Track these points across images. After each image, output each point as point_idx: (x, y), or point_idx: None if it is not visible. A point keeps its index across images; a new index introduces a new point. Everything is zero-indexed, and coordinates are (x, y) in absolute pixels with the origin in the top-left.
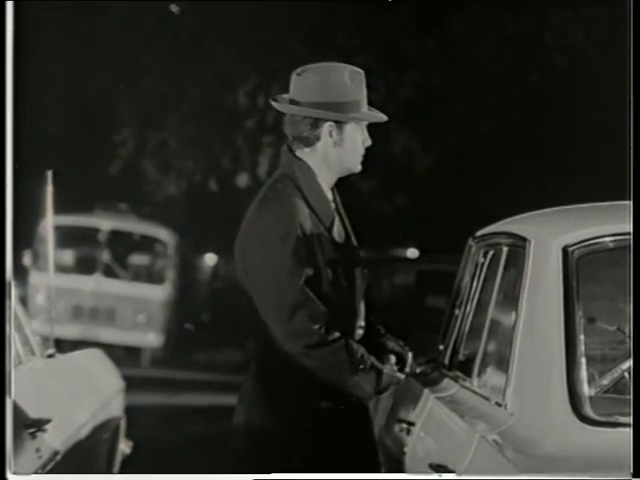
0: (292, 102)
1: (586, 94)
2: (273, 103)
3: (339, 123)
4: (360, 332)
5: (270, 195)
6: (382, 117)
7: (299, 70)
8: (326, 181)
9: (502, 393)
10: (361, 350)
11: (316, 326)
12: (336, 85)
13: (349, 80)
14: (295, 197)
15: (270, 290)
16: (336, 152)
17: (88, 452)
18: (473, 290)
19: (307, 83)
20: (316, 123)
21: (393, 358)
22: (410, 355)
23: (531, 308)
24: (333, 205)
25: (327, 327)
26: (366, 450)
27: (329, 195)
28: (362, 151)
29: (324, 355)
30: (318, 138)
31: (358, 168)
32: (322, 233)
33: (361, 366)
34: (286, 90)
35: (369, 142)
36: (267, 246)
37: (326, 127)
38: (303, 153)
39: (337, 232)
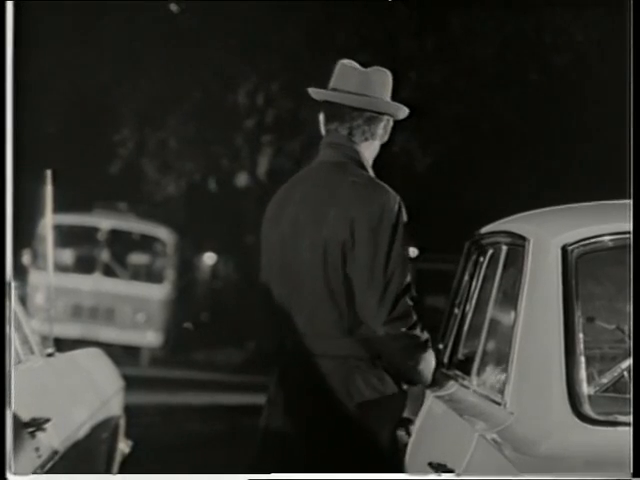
0: (360, 95)
1: (586, 93)
2: (342, 94)
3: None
4: None
5: (364, 182)
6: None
7: (353, 64)
8: None
9: (501, 392)
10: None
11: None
12: (389, 83)
13: (388, 78)
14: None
15: (382, 277)
16: (378, 146)
17: (87, 451)
18: (472, 289)
19: (375, 79)
20: (381, 118)
21: None
22: None
23: (530, 307)
24: None
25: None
26: (389, 451)
27: None
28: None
29: (415, 334)
30: (375, 133)
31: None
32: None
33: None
34: (285, 90)
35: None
36: (384, 233)
37: (384, 122)
38: (363, 145)
39: None
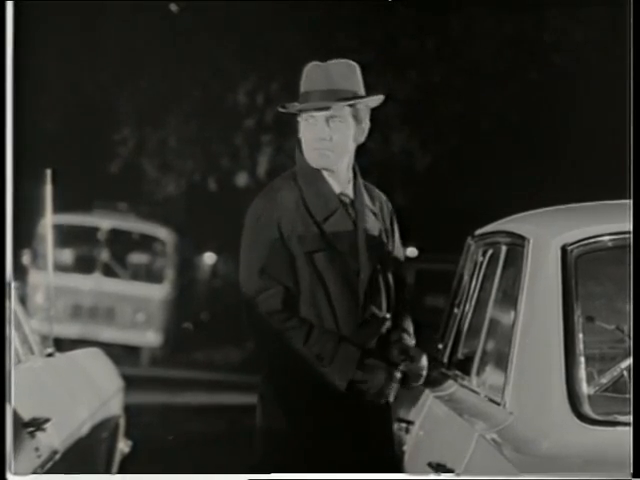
0: None
1: (586, 93)
2: None
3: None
4: (386, 324)
5: (264, 189)
6: (311, 106)
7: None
8: (332, 176)
9: (501, 392)
10: (329, 343)
11: (277, 310)
12: (304, 77)
13: (308, 72)
14: (282, 191)
15: (241, 279)
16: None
17: (87, 451)
18: (472, 289)
19: None
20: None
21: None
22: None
23: (530, 307)
24: (344, 198)
25: (291, 313)
26: (381, 449)
27: (336, 188)
28: (316, 145)
29: (287, 327)
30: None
31: (314, 164)
32: (308, 224)
33: (321, 358)
34: (285, 90)
35: (323, 135)
36: (243, 235)
37: (299, 119)
38: None
39: (334, 224)
